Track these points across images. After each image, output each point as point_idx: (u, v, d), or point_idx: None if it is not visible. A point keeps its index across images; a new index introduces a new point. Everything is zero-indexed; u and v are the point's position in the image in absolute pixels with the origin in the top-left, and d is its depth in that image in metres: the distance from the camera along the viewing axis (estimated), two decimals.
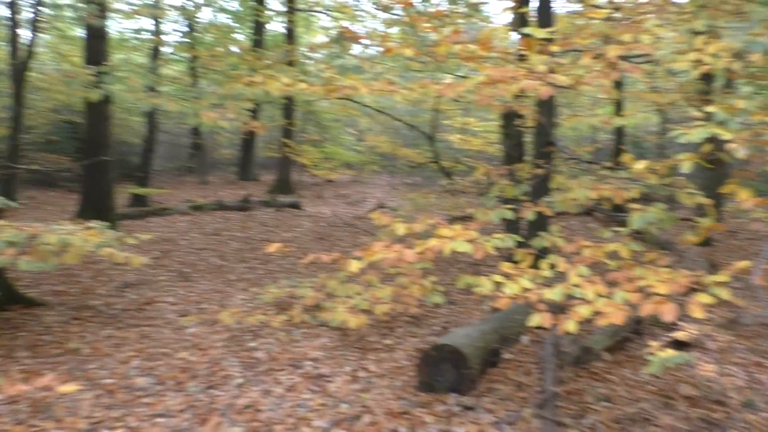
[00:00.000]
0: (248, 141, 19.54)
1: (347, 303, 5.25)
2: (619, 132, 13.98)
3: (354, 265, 3.44)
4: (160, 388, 4.18)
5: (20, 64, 9.93)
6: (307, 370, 4.53)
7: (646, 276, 3.01)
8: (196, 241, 9.96)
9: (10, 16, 11.48)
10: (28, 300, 6.12)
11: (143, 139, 14.95)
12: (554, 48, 3.19)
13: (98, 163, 9.68)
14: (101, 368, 4.53)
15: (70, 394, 3.91)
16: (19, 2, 11.68)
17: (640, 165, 3.50)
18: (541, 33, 2.90)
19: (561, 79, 3.10)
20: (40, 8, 10.18)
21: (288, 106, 16.87)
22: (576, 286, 3.07)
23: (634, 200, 3.72)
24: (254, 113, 13.53)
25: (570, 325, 2.84)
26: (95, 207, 9.77)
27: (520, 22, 4.70)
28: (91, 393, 4.06)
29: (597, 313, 2.87)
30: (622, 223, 4.14)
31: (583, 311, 2.85)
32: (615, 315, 2.78)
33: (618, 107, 12.50)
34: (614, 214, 11.12)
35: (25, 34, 13.21)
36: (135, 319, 5.86)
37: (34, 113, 15.98)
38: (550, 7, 6.69)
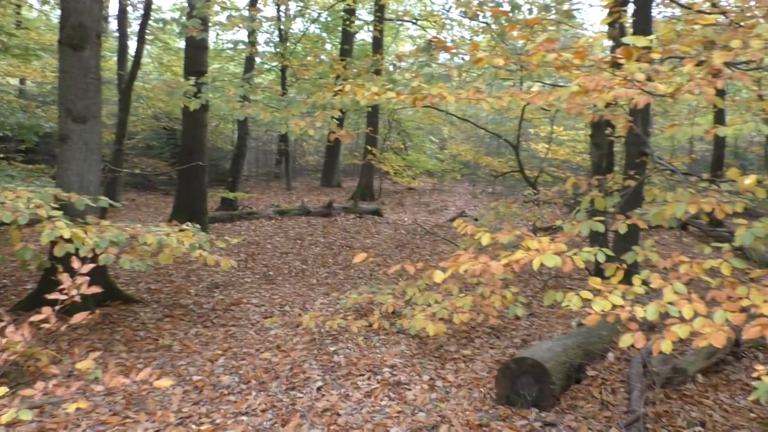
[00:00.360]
0: (332, 148, 19.93)
1: (426, 311, 5.23)
2: (719, 143, 13.19)
3: (439, 276, 3.41)
4: (244, 387, 4.32)
5: (128, 75, 10.63)
6: (385, 376, 4.54)
7: (751, 295, 2.80)
8: (280, 245, 10.25)
9: (119, 29, 12.35)
10: (126, 297, 6.51)
11: (234, 145, 15.60)
12: (654, 56, 3.04)
13: (193, 167, 10.17)
14: (190, 365, 4.74)
15: (161, 389, 4.11)
16: (128, 16, 12.54)
17: (749, 180, 3.27)
18: (641, 41, 2.77)
19: (660, 88, 2.95)
20: (147, 22, 10.84)
21: (372, 113, 17.09)
22: (671, 304, 2.90)
23: (737, 215, 3.48)
24: (340, 121, 13.79)
25: (665, 346, 2.68)
26: (188, 209, 10.26)
27: (619, 32, 4.53)
28: (181, 389, 4.25)
29: (694, 334, 2.70)
30: (721, 239, 3.88)
31: (680, 331, 2.69)
32: (714, 336, 2.60)
33: (720, 116, 11.79)
34: (712, 229, 10.48)
35: (132, 45, 14.18)
36: (222, 318, 6.10)
37: (136, 120, 17.08)
38: (650, 13, 6.41)
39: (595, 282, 3.11)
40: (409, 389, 4.31)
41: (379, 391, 4.26)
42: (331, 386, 4.34)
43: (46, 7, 15.93)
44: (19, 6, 14.34)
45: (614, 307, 2.92)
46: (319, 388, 4.29)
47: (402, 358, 4.93)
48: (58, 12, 7.33)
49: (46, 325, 2.22)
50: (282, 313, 6.29)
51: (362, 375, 4.57)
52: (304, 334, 5.52)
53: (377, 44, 15.89)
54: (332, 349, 5.14)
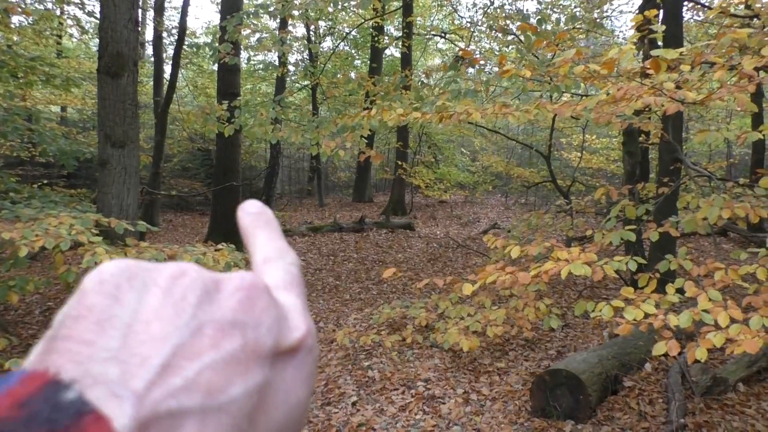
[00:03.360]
0: (364, 164, 20.11)
1: (459, 324, 5.23)
2: (757, 146, 12.85)
3: (468, 289, 3.43)
4: None
5: (164, 99, 10.95)
6: (419, 390, 4.55)
7: None
8: (313, 262, 10.36)
9: (154, 54, 12.76)
10: None
11: (267, 163, 15.87)
12: (685, 68, 3.02)
13: (227, 187, 10.39)
14: None
15: None
16: (163, 42, 12.94)
17: None
18: (671, 54, 2.75)
19: (690, 96, 2.93)
20: (181, 47, 11.18)
21: (402, 128, 17.18)
22: (706, 311, 2.86)
23: None
24: (370, 137, 13.93)
25: (699, 354, 2.65)
26: (224, 229, 10.47)
27: (649, 46, 4.49)
28: None
29: (729, 341, 2.65)
30: (761, 243, 3.80)
31: (714, 339, 2.65)
32: (749, 343, 2.55)
33: (758, 119, 11.50)
34: (752, 234, 10.21)
35: (167, 70, 14.61)
36: None
37: (172, 142, 17.55)
38: (681, 19, 6.35)
39: (627, 291, 3.09)
40: (444, 403, 4.31)
41: (414, 405, 4.27)
42: (366, 401, 4.37)
43: (85, 36, 16.55)
44: (59, 36, 14.93)
45: (647, 316, 2.89)
46: (354, 403, 4.33)
47: (436, 372, 4.93)
48: (97, 40, 7.63)
49: None
50: (316, 330, 6.35)
51: (396, 389, 4.59)
52: (339, 350, 5.57)
53: (406, 60, 16.02)
54: (366, 364, 5.18)
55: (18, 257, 4.38)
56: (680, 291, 3.27)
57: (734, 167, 16.97)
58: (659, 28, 3.18)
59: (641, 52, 4.87)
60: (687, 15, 10.71)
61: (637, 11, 7.97)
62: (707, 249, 10.47)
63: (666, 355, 2.94)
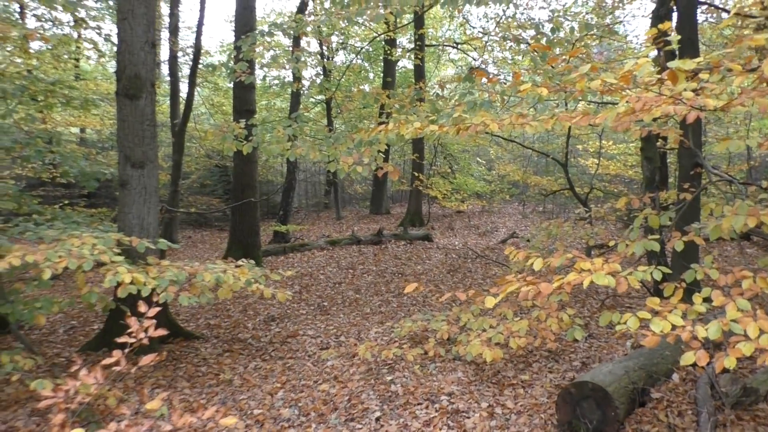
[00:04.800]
0: (382, 177, 20.16)
1: (482, 336, 5.19)
2: None
3: (490, 302, 3.40)
4: (304, 420, 4.37)
5: (181, 118, 11.07)
6: (443, 404, 4.51)
7: None
8: (333, 276, 10.36)
9: (170, 74, 12.93)
10: (187, 333, 6.70)
11: (284, 178, 15.96)
12: (704, 76, 2.99)
13: (245, 203, 10.46)
14: (251, 399, 4.83)
15: (226, 426, 4.20)
16: (179, 61, 13.11)
17: None
18: (688, 65, 2.72)
19: (710, 103, 2.89)
20: (197, 66, 11.32)
21: (417, 140, 17.22)
22: (735, 321, 2.80)
23: None
24: (386, 150, 13.98)
25: (728, 363, 2.59)
26: (242, 244, 10.53)
27: (665, 58, 4.47)
28: (243, 423, 4.33)
29: (760, 351, 2.60)
30: None
31: (744, 348, 2.59)
32: None
33: None
34: None
35: (183, 89, 14.80)
36: (279, 351, 6.20)
37: (189, 160, 17.75)
38: (696, 23, 6.30)
39: (653, 302, 3.04)
40: (468, 417, 4.27)
41: (438, 419, 4.24)
42: (390, 416, 4.34)
43: (102, 59, 16.83)
44: (77, 59, 15.20)
45: (674, 327, 2.83)
46: (377, 419, 4.30)
47: (459, 386, 4.89)
48: (114, 62, 7.76)
49: (117, 368, 2.34)
50: (338, 344, 6.35)
51: (420, 404, 4.56)
52: (361, 364, 5.55)
53: (419, 72, 16.08)
54: (389, 378, 5.15)
55: (42, 279, 4.43)
56: (707, 300, 3.22)
57: (755, 170, 16.71)
58: (675, 38, 3.15)
59: (658, 63, 4.83)
60: (701, 18, 10.63)
61: (650, 15, 7.92)
62: (731, 254, 10.30)
63: (694, 365, 2.88)
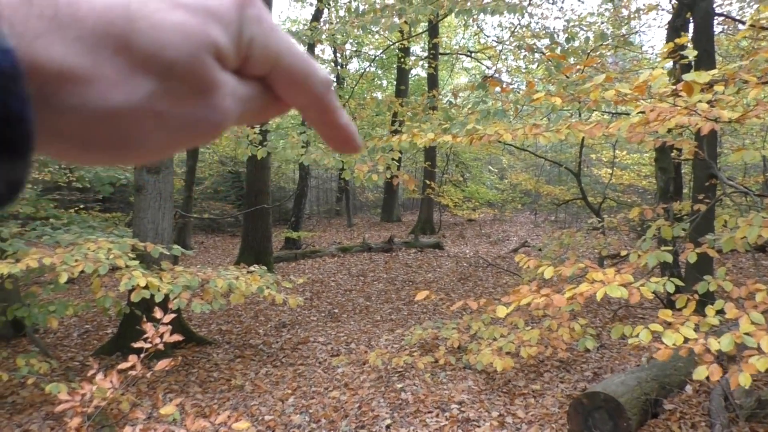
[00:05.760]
0: (391, 184, 20.17)
1: (492, 345, 5.18)
2: None
3: (502, 311, 3.41)
4: (315, 427, 4.38)
5: None
6: (453, 413, 4.51)
7: None
8: (343, 283, 10.38)
9: None
10: (199, 339, 6.75)
11: (296, 184, 16.05)
12: (719, 88, 2.99)
13: (257, 209, 10.53)
14: (262, 405, 4.85)
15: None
16: None
17: None
18: (703, 77, 2.73)
19: (725, 115, 2.89)
20: None
21: (429, 148, 17.23)
22: (748, 335, 2.79)
23: None
24: (399, 158, 14.03)
25: (743, 380, 2.58)
26: (254, 250, 10.59)
27: (680, 70, 4.46)
28: (254, 429, 4.35)
29: None
30: None
31: (758, 364, 2.58)
32: None
33: None
34: None
35: None
36: (290, 357, 6.22)
37: (203, 165, 17.88)
38: (712, 35, 6.29)
39: (665, 315, 3.03)
40: (479, 426, 4.27)
41: (448, 428, 4.23)
42: (400, 424, 4.35)
43: None
44: None
45: (686, 340, 2.83)
46: (387, 426, 4.31)
47: (470, 394, 4.88)
48: None
49: (132, 373, 2.37)
50: (348, 351, 6.36)
51: (430, 412, 4.56)
52: (371, 372, 5.56)
53: (432, 81, 16.11)
54: (399, 386, 5.16)
55: (58, 283, 4.49)
56: (720, 312, 3.20)
57: None
58: (691, 52, 3.16)
59: (673, 74, 4.83)
60: (717, 29, 10.59)
61: (666, 26, 7.91)
62: (746, 266, 10.20)
63: (707, 377, 2.86)
